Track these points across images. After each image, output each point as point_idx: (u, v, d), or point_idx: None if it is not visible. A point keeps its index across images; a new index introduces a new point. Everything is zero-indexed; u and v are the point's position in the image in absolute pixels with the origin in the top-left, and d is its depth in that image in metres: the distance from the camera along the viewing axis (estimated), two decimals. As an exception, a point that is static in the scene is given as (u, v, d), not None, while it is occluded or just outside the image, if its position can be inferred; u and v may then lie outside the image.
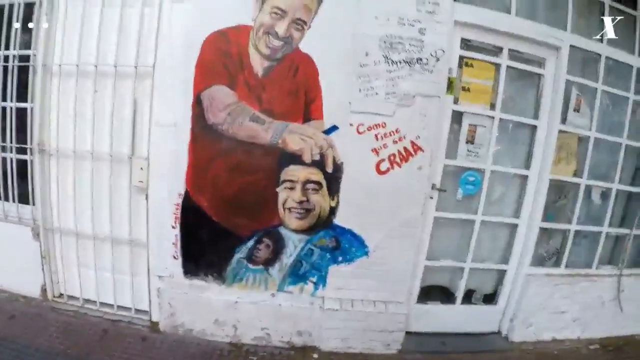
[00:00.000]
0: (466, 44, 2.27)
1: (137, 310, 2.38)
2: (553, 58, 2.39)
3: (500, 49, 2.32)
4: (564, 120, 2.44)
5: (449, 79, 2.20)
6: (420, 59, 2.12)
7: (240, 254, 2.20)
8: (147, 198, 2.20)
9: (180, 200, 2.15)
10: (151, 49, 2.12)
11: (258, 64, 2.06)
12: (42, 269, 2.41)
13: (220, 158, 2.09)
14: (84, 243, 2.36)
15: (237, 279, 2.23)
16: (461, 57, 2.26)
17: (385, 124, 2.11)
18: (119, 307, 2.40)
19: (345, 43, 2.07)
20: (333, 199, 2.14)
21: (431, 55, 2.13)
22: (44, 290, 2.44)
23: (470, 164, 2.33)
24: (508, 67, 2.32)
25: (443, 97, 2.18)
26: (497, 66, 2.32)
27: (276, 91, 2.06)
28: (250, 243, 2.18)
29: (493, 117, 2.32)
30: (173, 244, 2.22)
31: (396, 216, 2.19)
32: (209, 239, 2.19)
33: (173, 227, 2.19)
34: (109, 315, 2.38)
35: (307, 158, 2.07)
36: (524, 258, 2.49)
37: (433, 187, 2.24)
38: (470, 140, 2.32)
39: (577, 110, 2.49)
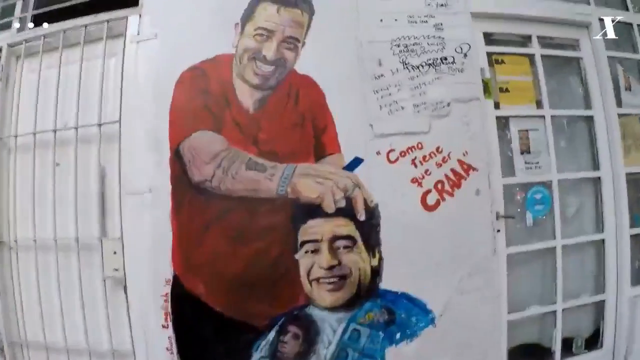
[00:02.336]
0: (490, 38, 1.56)
1: None
2: (585, 37, 1.67)
3: (529, 38, 1.60)
4: (619, 102, 1.65)
5: (483, 81, 1.45)
6: (445, 58, 1.38)
7: (259, 352, 1.29)
8: (126, 290, 1.35)
9: (168, 289, 1.30)
10: (116, 104, 1.40)
11: (247, 97, 1.32)
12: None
13: (215, 225, 1.27)
14: (57, 358, 1.47)
15: (259, 387, 1.31)
16: (489, 55, 1.53)
17: (421, 144, 1.32)
18: None
19: (351, 54, 1.34)
20: (374, 256, 1.28)
21: (456, 51, 1.39)
22: None
23: (533, 177, 1.50)
24: (543, 56, 1.59)
25: (483, 101, 1.42)
26: (531, 58, 1.58)
27: (275, 126, 1.30)
28: (272, 335, 1.28)
29: (543, 116, 1.54)
30: (167, 349, 1.32)
31: (462, 262, 1.32)
32: (214, 337, 1.29)
33: (164, 327, 1.31)
34: None
35: (328, 206, 1.24)
36: (622, 278, 1.55)
37: (497, 216, 1.40)
38: (526, 150, 1.51)
39: (628, 88, 1.72)
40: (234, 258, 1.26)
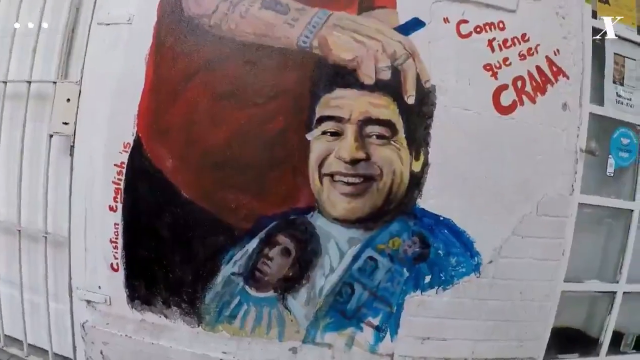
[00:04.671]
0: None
1: (59, 357, 0.88)
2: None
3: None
4: None
5: (581, -22, 0.91)
6: None
7: (230, 265, 0.75)
8: (72, 153, 0.82)
9: (125, 158, 0.77)
10: None
11: None
12: None
13: (202, 75, 0.73)
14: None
15: (225, 315, 0.76)
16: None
17: (504, 24, 0.78)
18: (33, 348, 0.91)
19: None
20: (417, 158, 0.74)
21: None
22: None
23: (622, 115, 0.95)
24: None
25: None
26: None
27: None
28: (252, 245, 0.74)
29: None
30: (111, 241, 0.79)
31: (531, 195, 0.77)
32: (175, 234, 0.76)
33: (112, 209, 0.78)
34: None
35: (366, 75, 0.70)
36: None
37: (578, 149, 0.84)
38: (619, 79, 0.96)
39: None
40: (218, 125, 0.72)
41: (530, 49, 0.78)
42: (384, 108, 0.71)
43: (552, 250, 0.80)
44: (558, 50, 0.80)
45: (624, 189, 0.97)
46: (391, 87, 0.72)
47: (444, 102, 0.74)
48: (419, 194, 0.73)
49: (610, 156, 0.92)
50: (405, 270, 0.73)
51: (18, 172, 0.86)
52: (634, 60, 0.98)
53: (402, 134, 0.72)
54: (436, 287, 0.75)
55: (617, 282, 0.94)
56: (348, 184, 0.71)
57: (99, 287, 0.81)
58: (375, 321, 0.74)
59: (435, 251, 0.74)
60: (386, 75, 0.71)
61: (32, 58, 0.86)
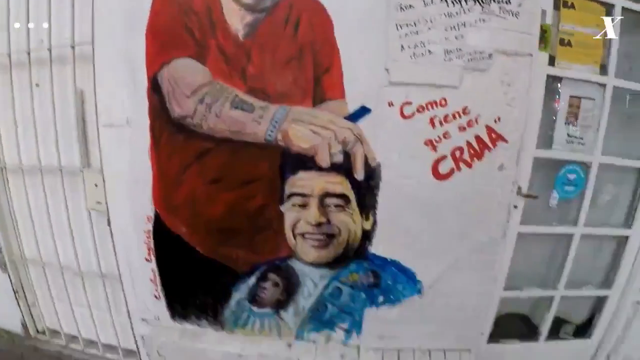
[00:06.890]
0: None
1: (126, 351, 1.54)
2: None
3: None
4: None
5: (541, 27, 1.07)
6: (500, -9, 1.01)
7: (239, 293, 1.25)
8: (109, 223, 1.29)
9: (150, 226, 1.22)
10: (88, 19, 1.14)
11: (237, 19, 1.02)
12: (18, 304, 1.60)
13: (195, 165, 1.11)
14: (54, 275, 1.51)
15: (240, 324, 1.30)
16: (558, -10, 1.11)
17: (446, 100, 1.04)
18: (106, 346, 1.57)
19: (375, -32, 0.99)
20: (367, 219, 1.13)
21: (517, -17, 1.01)
22: (24, 326, 1.65)
23: (571, 155, 1.22)
24: (624, 9, 1.15)
25: (536, 56, 1.07)
26: (609, 8, 1.15)
27: (268, 59, 1.02)
28: (252, 280, 1.23)
29: (604, 85, 1.18)
30: (151, 280, 1.31)
31: (465, 239, 1.15)
32: (196, 275, 1.26)
33: (147, 260, 1.27)
34: (95, 359, 1.56)
35: (323, 160, 1.05)
36: (633, 281, 1.39)
37: (518, 191, 1.17)
38: (572, 121, 1.20)
39: None
40: (213, 202, 1.13)
41: (470, 121, 1.05)
42: (339, 184, 1.07)
43: (483, 277, 1.21)
44: (499, 118, 1.06)
45: (572, 214, 1.29)
46: (343, 168, 1.06)
47: (388, 175, 1.07)
48: (370, 243, 1.14)
49: (554, 191, 1.23)
50: (362, 293, 1.20)
51: (69, 230, 1.36)
52: (593, 99, 1.18)
53: (354, 203, 1.09)
54: (387, 304, 1.21)
55: (557, 288, 1.35)
56: (315, 239, 1.13)
57: (149, 309, 1.37)
58: (345, 326, 1.25)
59: (385, 281, 1.18)
60: (339, 158, 1.04)
61: (56, 144, 1.26)
